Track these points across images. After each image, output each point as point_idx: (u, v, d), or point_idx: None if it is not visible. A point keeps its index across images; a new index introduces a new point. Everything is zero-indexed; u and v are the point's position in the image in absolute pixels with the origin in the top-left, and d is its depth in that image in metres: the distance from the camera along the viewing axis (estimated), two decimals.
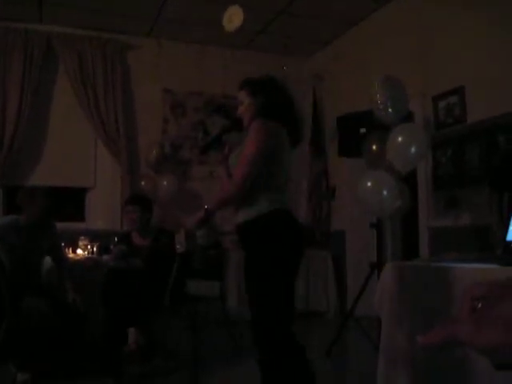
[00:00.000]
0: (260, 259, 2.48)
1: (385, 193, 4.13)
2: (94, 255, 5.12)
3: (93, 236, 5.32)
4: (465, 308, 0.61)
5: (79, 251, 5.19)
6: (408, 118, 4.50)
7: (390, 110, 4.15)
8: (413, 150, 4.11)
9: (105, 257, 4.77)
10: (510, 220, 2.23)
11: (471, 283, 0.63)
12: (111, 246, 4.88)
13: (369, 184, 4.20)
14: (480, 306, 0.60)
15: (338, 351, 4.34)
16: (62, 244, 4.61)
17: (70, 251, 5.13)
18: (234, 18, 4.83)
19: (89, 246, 5.21)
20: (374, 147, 4.40)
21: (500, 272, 1.96)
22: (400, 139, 4.12)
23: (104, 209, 6.11)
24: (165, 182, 5.94)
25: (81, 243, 5.24)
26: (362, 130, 4.68)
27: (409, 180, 4.63)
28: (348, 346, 4.83)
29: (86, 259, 4.80)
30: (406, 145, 4.11)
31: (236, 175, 2.48)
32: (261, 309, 2.47)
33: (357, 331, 4.44)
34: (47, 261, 4.20)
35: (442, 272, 2.28)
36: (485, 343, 0.57)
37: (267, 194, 2.49)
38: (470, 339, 0.59)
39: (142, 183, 5.97)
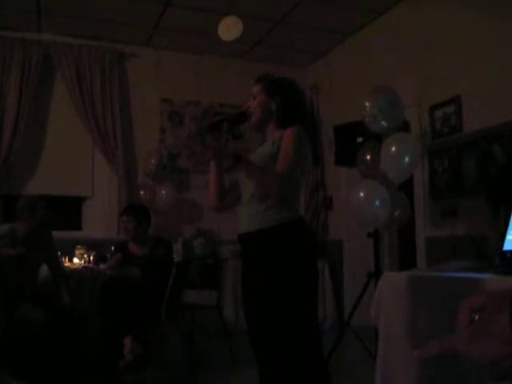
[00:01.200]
0: (288, 274, 2.21)
1: (377, 203, 4.14)
2: (91, 264, 5.11)
3: (90, 245, 5.31)
4: (463, 319, 0.61)
5: (76, 260, 5.18)
6: (404, 127, 4.52)
7: (381, 120, 4.17)
8: (406, 159, 4.13)
9: (102, 266, 4.77)
10: (506, 230, 2.24)
11: (469, 294, 0.63)
12: (108, 255, 4.88)
13: (362, 194, 4.22)
14: (477, 317, 0.60)
15: (336, 361, 4.33)
16: (59, 253, 4.61)
17: (67, 260, 5.12)
18: (232, 28, 4.85)
19: (85, 255, 5.20)
20: (368, 157, 4.42)
21: (497, 281, 1.96)
22: (393, 149, 4.15)
23: (101, 218, 6.10)
24: (163, 191, 5.94)
25: (77, 252, 5.23)
26: (359, 140, 4.69)
27: (405, 189, 4.64)
28: (345, 356, 4.82)
29: (83, 268, 4.79)
30: (399, 155, 4.13)
31: (282, 170, 2.20)
32: (292, 334, 2.20)
33: (354, 341, 4.43)
34: (44, 269, 4.19)
35: (439, 282, 2.29)
36: (483, 355, 0.58)
37: (289, 202, 2.29)
38: (467, 351, 0.59)
39: (141, 192, 5.97)
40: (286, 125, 2.35)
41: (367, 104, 4.19)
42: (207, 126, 2.36)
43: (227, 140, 2.29)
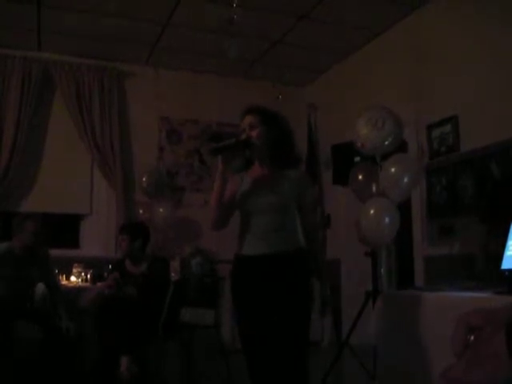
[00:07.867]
0: (305, 293, 2.55)
1: (387, 220, 4.10)
2: (88, 282, 5.09)
3: (87, 263, 5.29)
4: (459, 338, 0.61)
5: (73, 278, 5.16)
6: (401, 147, 4.52)
7: (368, 141, 4.17)
8: (405, 179, 4.12)
9: (98, 284, 4.75)
10: (504, 249, 2.24)
11: (466, 311, 0.63)
12: (105, 274, 4.87)
13: (372, 212, 4.17)
14: (473, 338, 0.60)
15: (334, 381, 4.30)
16: (56, 271, 4.59)
17: (64, 278, 5.10)
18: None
19: (83, 274, 5.18)
20: (360, 177, 4.41)
21: (494, 300, 1.96)
22: (393, 170, 4.14)
23: (99, 236, 6.08)
24: (161, 209, 5.93)
25: (75, 270, 5.22)
26: (357, 159, 4.71)
27: (403, 208, 4.64)
28: (343, 376, 4.78)
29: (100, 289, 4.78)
30: (398, 175, 4.12)
31: (318, 219, 2.74)
32: (303, 346, 2.67)
33: (352, 360, 4.40)
34: (41, 287, 4.17)
35: (437, 301, 2.29)
36: (482, 380, 0.57)
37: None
38: (468, 380, 0.59)
39: (140, 211, 5.95)
40: (282, 159, 2.63)
41: (359, 128, 4.20)
42: (221, 147, 2.54)
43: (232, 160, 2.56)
